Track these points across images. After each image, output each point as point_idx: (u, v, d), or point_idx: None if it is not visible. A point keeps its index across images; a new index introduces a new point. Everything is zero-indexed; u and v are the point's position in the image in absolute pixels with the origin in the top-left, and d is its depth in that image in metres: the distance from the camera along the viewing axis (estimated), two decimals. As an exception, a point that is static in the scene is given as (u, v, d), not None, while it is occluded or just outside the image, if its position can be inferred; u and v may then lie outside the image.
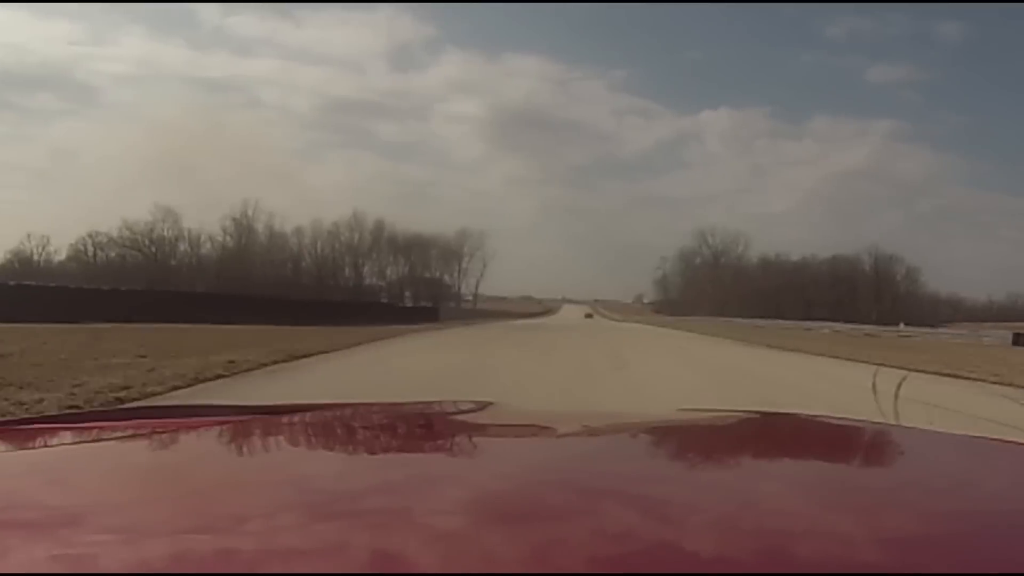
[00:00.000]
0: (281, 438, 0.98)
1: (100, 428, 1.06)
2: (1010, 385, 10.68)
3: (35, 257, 64.88)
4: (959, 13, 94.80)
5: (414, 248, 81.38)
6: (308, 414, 1.14)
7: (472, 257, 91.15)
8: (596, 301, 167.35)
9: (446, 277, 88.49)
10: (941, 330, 51.14)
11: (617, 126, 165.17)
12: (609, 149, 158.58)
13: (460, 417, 1.26)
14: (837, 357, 17.10)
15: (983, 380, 11.57)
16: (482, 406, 1.30)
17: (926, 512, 0.70)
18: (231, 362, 10.25)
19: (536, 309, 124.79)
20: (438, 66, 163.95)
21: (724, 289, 74.87)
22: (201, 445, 0.91)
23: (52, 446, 0.94)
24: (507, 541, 0.55)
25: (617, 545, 0.55)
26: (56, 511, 0.62)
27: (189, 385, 8.00)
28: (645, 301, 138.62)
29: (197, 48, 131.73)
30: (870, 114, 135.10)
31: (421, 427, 1.13)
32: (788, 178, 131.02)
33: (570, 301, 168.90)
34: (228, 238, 62.18)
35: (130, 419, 1.12)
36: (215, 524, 0.59)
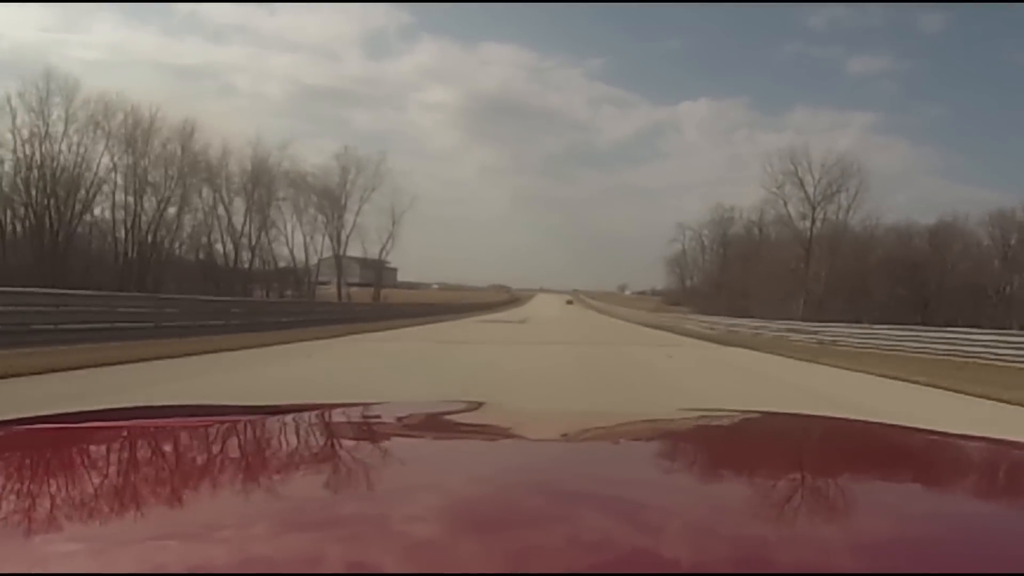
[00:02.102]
0: (274, 439, 0.98)
1: (99, 428, 1.05)
2: None
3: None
4: (940, 4, 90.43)
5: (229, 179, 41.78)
6: (305, 414, 1.14)
7: (366, 202, 51.37)
8: (575, 291, 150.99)
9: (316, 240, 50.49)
10: None
11: (593, 115, 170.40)
12: (585, 138, 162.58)
13: (454, 418, 1.25)
14: None
15: None
16: (475, 406, 1.31)
17: (924, 513, 0.70)
18: None
19: (499, 299, 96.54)
20: (412, 54, 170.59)
21: (819, 269, 41.91)
22: (199, 445, 0.93)
23: (51, 445, 0.94)
24: (487, 549, 0.55)
25: (600, 552, 0.54)
26: (53, 510, 0.62)
27: None
28: (627, 292, 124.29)
29: (170, 34, 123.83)
30: (850, 106, 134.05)
31: (415, 428, 1.12)
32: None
33: (547, 291, 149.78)
34: None
35: (129, 419, 1.12)
36: (210, 524, 0.59)
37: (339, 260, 49.47)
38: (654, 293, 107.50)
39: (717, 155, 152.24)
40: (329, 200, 48.29)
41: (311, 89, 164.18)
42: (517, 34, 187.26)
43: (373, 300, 48.95)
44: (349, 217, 50.04)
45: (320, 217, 47.90)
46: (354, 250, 53.41)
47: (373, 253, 53.90)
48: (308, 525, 0.58)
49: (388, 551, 0.53)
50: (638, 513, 0.64)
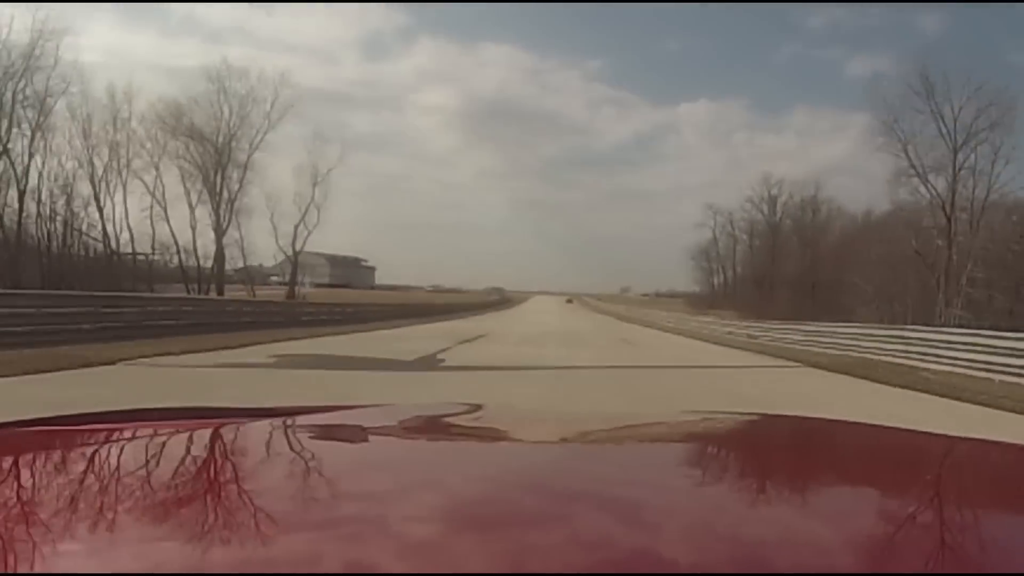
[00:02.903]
0: (274, 441, 0.98)
1: (98, 430, 1.05)
2: None
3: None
4: (940, 4, 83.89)
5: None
6: (304, 416, 1.15)
7: (257, 149, 32.94)
8: (576, 296, 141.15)
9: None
10: None
11: (592, 118, 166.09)
12: (584, 141, 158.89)
13: (453, 420, 1.25)
14: None
15: None
16: (475, 408, 1.31)
17: (923, 515, 0.71)
18: None
19: (482, 301, 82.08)
20: (410, 56, 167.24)
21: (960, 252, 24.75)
22: (198, 447, 0.93)
23: (51, 447, 0.95)
24: (487, 550, 0.55)
25: (599, 553, 0.55)
26: (53, 511, 0.63)
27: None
28: (630, 295, 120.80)
29: (167, 36, 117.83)
30: (849, 107, 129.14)
31: (414, 431, 1.12)
32: (766, 172, 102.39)
33: (546, 293, 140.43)
34: None
35: (129, 421, 1.12)
36: (209, 526, 0.60)
37: (219, 236, 31.20)
38: (658, 295, 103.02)
39: (716, 157, 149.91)
40: (203, 144, 30.64)
41: (309, 92, 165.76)
42: (515, 35, 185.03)
43: (288, 299, 33.72)
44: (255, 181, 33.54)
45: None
46: (260, 226, 35.90)
47: (287, 231, 35.98)
48: (306, 527, 0.58)
49: (387, 553, 0.53)
50: (637, 514, 0.64)
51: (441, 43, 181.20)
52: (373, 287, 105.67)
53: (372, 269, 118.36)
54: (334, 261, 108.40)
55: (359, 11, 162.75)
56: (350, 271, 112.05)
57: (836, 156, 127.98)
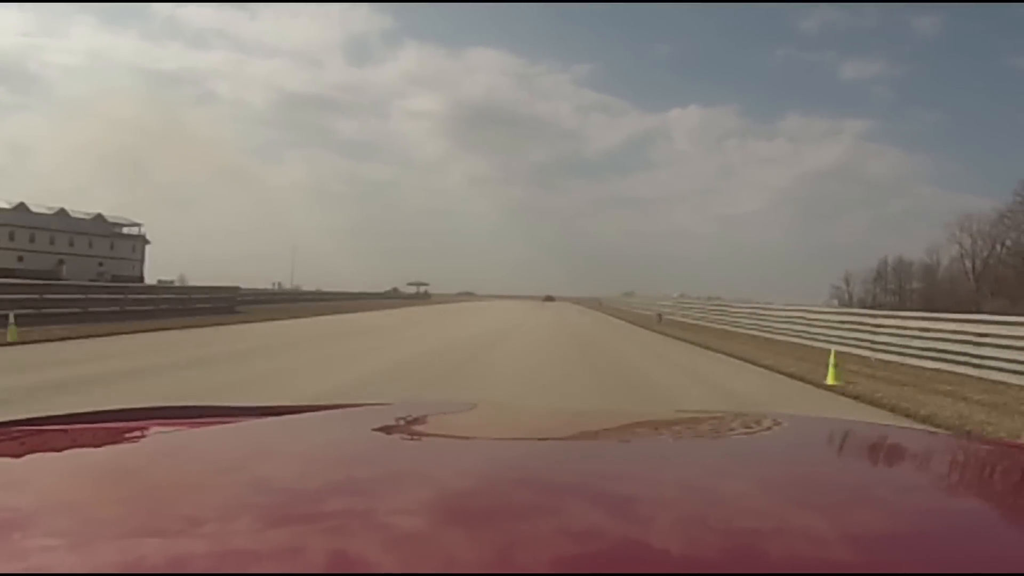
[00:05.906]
0: (271, 440, 0.99)
1: (97, 429, 1.06)
2: None
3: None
4: (935, 7, 71.06)
5: None
6: (299, 415, 1.17)
7: None
8: (579, 299, 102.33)
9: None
10: None
11: (582, 123, 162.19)
12: (574, 147, 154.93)
13: (450, 418, 1.25)
14: None
15: None
16: (472, 406, 1.32)
17: (918, 512, 0.72)
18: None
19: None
20: (396, 60, 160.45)
21: None
22: (197, 446, 0.93)
23: (50, 446, 0.96)
24: (480, 546, 0.55)
25: (586, 545, 0.55)
26: (52, 510, 0.63)
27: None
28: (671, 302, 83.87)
29: (149, 39, 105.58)
30: (842, 112, 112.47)
31: (410, 428, 1.13)
32: (757, 178, 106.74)
33: (520, 297, 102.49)
34: None
35: (130, 420, 1.12)
36: (209, 524, 0.60)
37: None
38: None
39: (708, 164, 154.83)
40: None
41: (294, 96, 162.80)
42: (503, 39, 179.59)
43: None
44: None
45: None
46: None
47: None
48: (304, 525, 0.58)
49: (384, 549, 0.53)
50: (629, 509, 0.64)
51: (428, 47, 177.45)
52: (132, 277, 50.32)
53: (139, 240, 62.23)
54: (26, 218, 49.80)
55: (344, 14, 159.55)
56: (86, 241, 55.52)
57: (829, 161, 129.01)
